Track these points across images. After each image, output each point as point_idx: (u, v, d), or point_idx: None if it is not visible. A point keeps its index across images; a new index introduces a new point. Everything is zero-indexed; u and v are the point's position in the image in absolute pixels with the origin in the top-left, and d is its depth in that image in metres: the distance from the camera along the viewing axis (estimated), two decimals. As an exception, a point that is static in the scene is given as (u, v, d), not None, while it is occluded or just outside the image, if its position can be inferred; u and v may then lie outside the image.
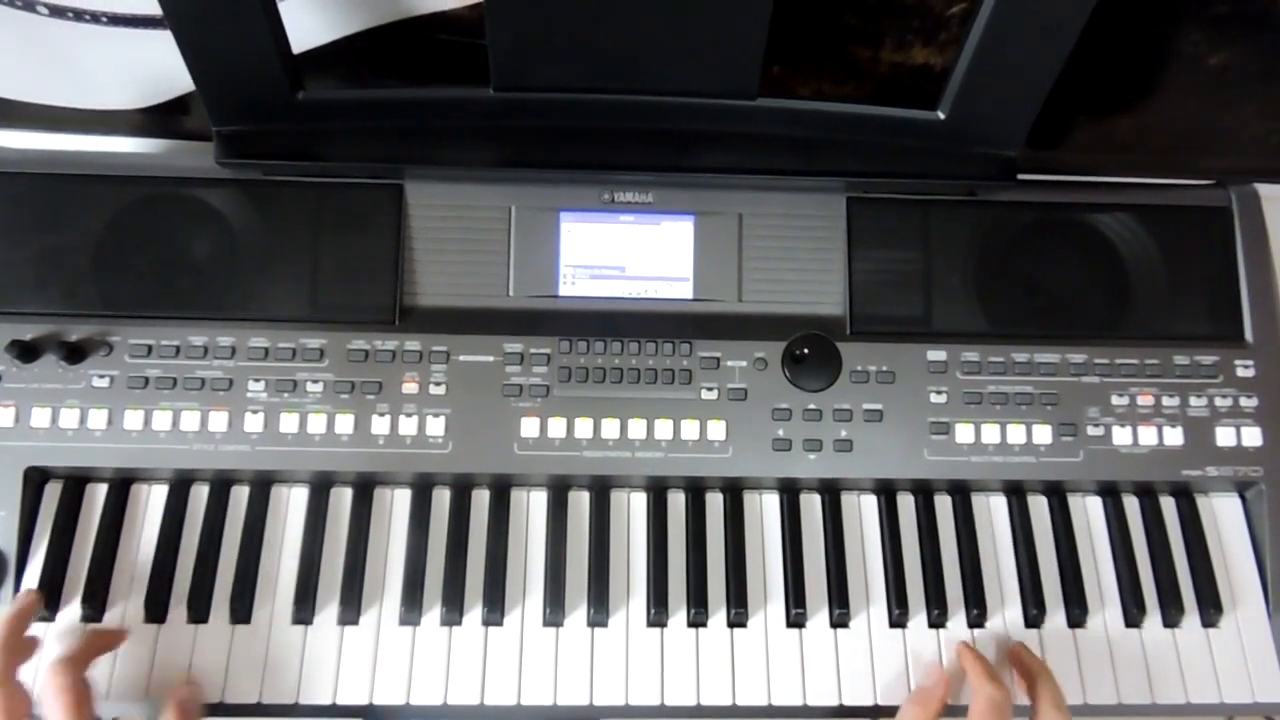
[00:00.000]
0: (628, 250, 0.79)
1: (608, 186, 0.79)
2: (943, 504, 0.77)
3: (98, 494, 0.73)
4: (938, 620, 0.73)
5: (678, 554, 0.74)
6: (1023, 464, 0.76)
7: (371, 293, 0.76)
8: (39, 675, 0.64)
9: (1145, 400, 0.77)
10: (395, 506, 0.74)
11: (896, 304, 0.79)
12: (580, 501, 0.75)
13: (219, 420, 0.73)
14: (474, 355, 0.75)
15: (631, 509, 0.75)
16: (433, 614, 0.71)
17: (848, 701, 0.70)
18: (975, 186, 0.79)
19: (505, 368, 0.75)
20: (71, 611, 0.70)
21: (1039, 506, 0.77)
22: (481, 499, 0.75)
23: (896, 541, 0.75)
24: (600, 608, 0.71)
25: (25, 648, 0.65)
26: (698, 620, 0.72)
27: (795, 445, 0.75)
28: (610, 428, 0.74)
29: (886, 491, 0.77)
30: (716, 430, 0.75)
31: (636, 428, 0.75)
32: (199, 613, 0.70)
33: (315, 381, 0.74)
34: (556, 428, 0.74)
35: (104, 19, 0.73)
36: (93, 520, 0.72)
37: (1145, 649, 0.73)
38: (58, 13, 0.72)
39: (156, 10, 0.64)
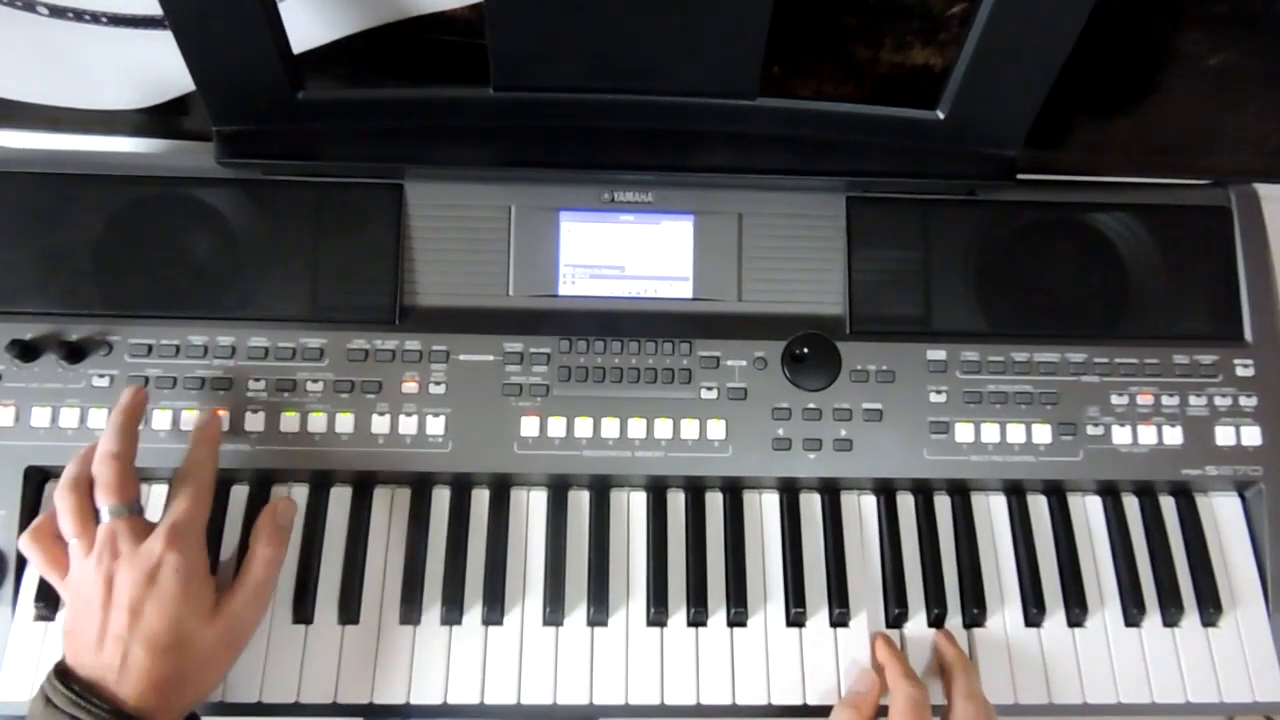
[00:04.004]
0: (627, 250, 0.79)
1: (608, 186, 0.79)
2: (942, 503, 0.77)
3: (98, 493, 0.73)
4: (937, 620, 0.73)
5: (677, 553, 0.74)
6: (1022, 463, 0.76)
7: (371, 292, 0.76)
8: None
9: (1145, 400, 0.77)
10: (395, 506, 0.74)
11: (896, 304, 0.79)
12: (580, 501, 0.75)
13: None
14: (474, 355, 0.75)
15: (631, 508, 0.75)
16: (432, 613, 0.71)
17: (847, 701, 0.70)
18: (975, 186, 0.79)
19: (505, 367, 0.75)
20: (72, 611, 0.70)
21: (1039, 506, 0.77)
22: (481, 498, 0.75)
23: (896, 541, 0.75)
24: (600, 607, 0.71)
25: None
26: (697, 619, 0.72)
27: (795, 445, 0.75)
28: (610, 427, 0.74)
29: (886, 491, 0.77)
30: (716, 430, 0.75)
31: (636, 427, 0.75)
32: (199, 612, 0.70)
33: (315, 381, 0.74)
34: (556, 427, 0.74)
35: (104, 19, 0.73)
36: (93, 520, 0.72)
37: (1145, 648, 0.73)
38: (58, 13, 0.72)
39: (156, 10, 0.64)
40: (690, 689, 0.70)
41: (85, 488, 0.64)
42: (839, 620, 0.72)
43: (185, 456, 0.67)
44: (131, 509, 0.63)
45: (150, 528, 0.63)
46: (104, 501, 0.63)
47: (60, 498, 0.64)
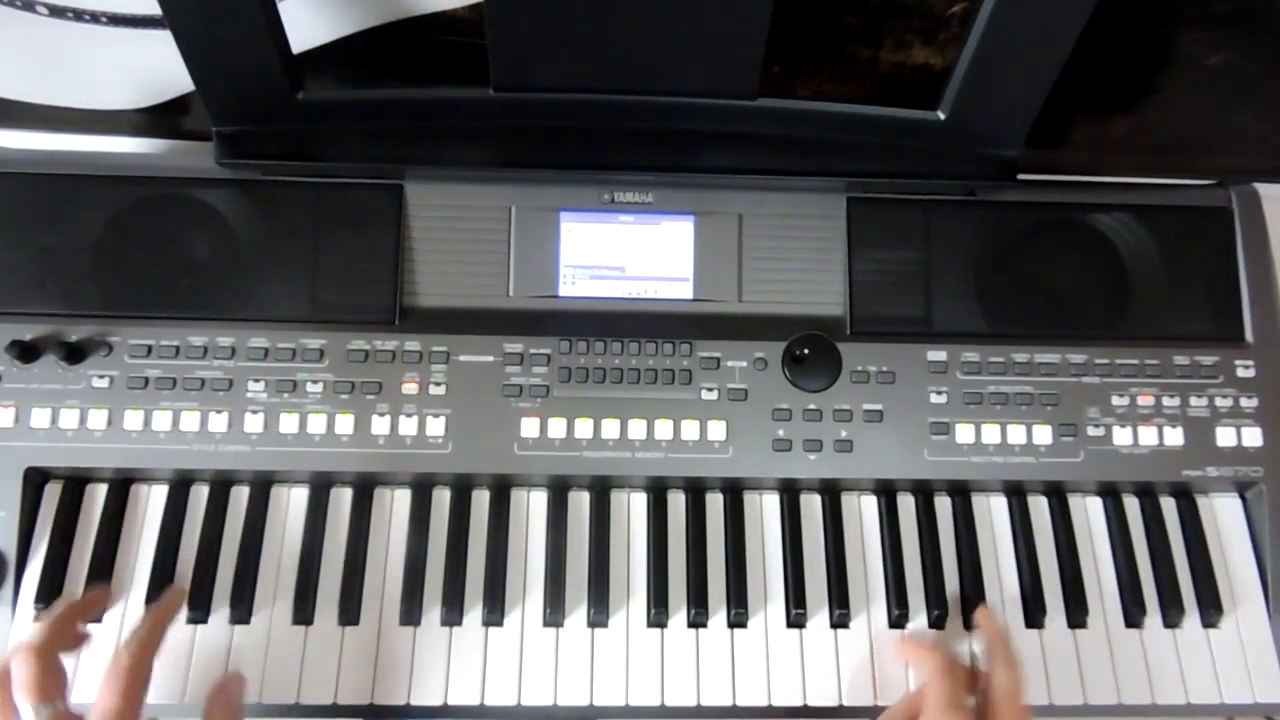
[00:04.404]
0: (628, 250, 0.78)
1: (608, 186, 0.79)
2: (943, 504, 0.77)
3: (98, 494, 0.73)
4: (938, 620, 0.73)
5: (678, 554, 0.74)
6: (1023, 464, 0.76)
7: (371, 293, 0.76)
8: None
9: (1145, 400, 0.77)
10: (395, 507, 0.74)
11: (896, 304, 0.78)
12: (580, 501, 0.75)
13: (219, 420, 0.73)
14: (474, 355, 0.75)
15: (631, 509, 0.75)
16: (433, 614, 0.71)
17: (848, 702, 0.70)
18: (975, 186, 0.79)
19: (505, 368, 0.75)
20: (71, 612, 0.70)
21: (1039, 507, 0.77)
22: (481, 499, 0.75)
23: (896, 542, 0.75)
24: (600, 608, 0.71)
25: (75, 638, 0.66)
26: (698, 620, 0.72)
27: (795, 445, 0.75)
28: (610, 428, 0.74)
29: (887, 492, 0.77)
30: (716, 430, 0.75)
31: (636, 428, 0.74)
32: (199, 613, 0.70)
33: (315, 382, 0.74)
34: (556, 428, 0.74)
35: (104, 19, 0.73)
36: (93, 520, 0.72)
37: (1145, 649, 0.73)
38: (58, 13, 0.72)
39: (156, 10, 0.64)
40: (690, 690, 0.70)
41: (7, 681, 0.60)
42: (839, 621, 0.72)
43: (129, 634, 0.63)
44: (55, 707, 0.59)
45: None
46: (26, 700, 0.59)
47: None
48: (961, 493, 0.77)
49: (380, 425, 0.73)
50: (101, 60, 0.77)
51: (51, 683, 0.60)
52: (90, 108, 0.82)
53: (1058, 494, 0.78)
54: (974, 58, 0.68)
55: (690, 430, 0.75)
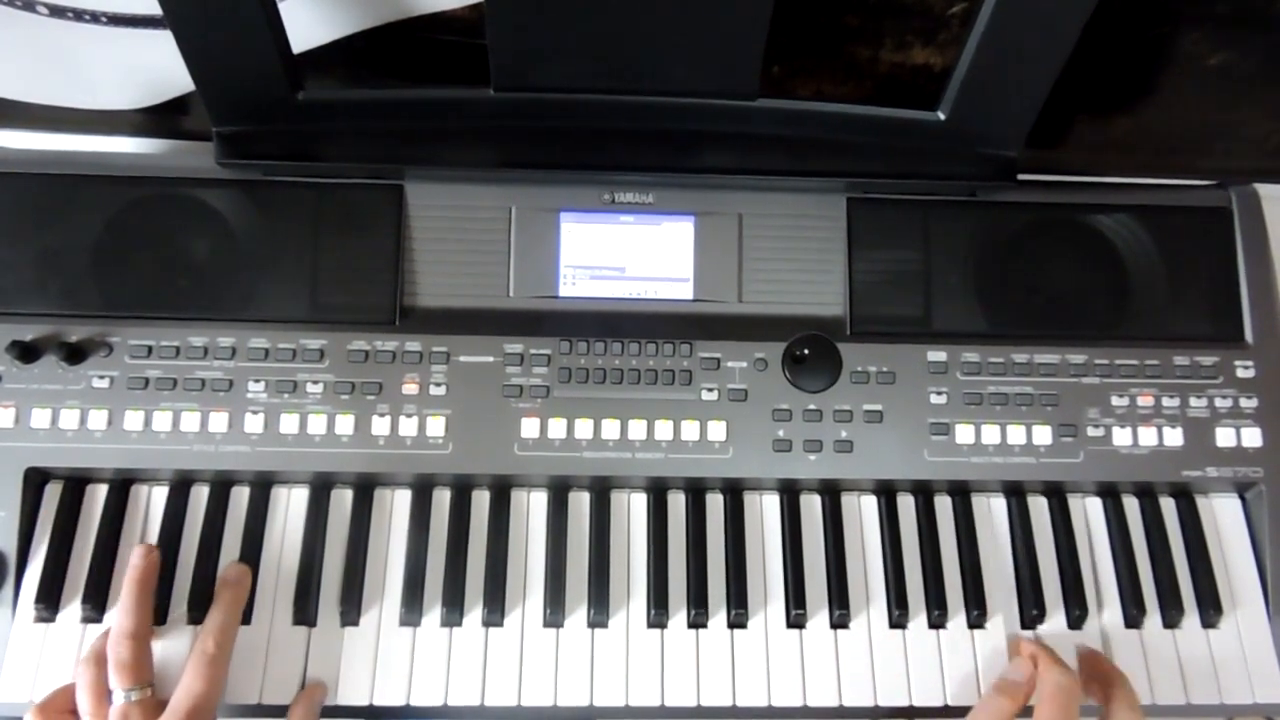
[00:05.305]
0: (628, 251, 0.78)
1: (608, 187, 0.79)
2: (943, 505, 0.77)
3: (98, 495, 0.73)
4: (938, 621, 0.73)
5: (678, 555, 0.74)
6: (1023, 465, 0.76)
7: (371, 293, 0.76)
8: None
9: (1145, 401, 0.77)
10: (395, 507, 0.74)
11: (897, 304, 0.78)
12: (580, 502, 0.75)
13: (219, 421, 0.72)
14: (474, 356, 0.75)
15: (632, 510, 0.75)
16: (433, 615, 0.71)
17: (848, 702, 0.70)
18: (975, 187, 0.79)
19: (505, 368, 0.75)
20: (72, 612, 0.70)
21: (1039, 507, 0.77)
22: (482, 499, 0.75)
23: (896, 542, 0.75)
24: (600, 608, 0.71)
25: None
26: (698, 621, 0.72)
27: (795, 446, 0.75)
28: (610, 428, 0.74)
29: (886, 492, 0.77)
30: (717, 431, 0.75)
31: (637, 428, 0.75)
32: (198, 614, 0.70)
33: (315, 382, 0.74)
34: (557, 428, 0.74)
35: (104, 19, 0.73)
36: (93, 521, 0.72)
37: (1145, 649, 0.73)
38: (58, 13, 0.72)
39: (156, 10, 0.64)
40: (690, 691, 0.70)
41: (105, 662, 0.64)
42: (839, 622, 0.72)
43: (207, 619, 0.67)
44: (144, 692, 0.63)
45: (161, 706, 0.63)
46: (118, 683, 0.63)
47: (80, 671, 0.64)
48: (961, 493, 0.77)
49: (380, 425, 0.73)
50: (101, 60, 0.77)
51: (145, 666, 0.64)
52: (90, 108, 0.82)
53: (1057, 494, 0.78)
54: (974, 58, 0.68)
55: (690, 431, 0.75)
